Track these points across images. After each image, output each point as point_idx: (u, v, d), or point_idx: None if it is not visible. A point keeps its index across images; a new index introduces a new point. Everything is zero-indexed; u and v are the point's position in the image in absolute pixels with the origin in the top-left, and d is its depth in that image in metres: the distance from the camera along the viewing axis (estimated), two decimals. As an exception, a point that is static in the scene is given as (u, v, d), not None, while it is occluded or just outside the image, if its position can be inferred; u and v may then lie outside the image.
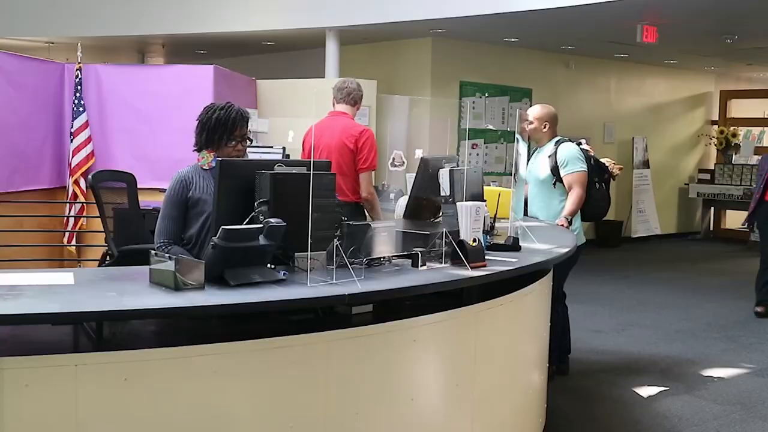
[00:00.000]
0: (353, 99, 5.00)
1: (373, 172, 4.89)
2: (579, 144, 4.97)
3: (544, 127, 4.97)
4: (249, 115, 3.53)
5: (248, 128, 3.52)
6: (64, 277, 2.64)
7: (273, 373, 2.53)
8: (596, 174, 4.93)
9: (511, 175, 5.15)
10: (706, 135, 13.59)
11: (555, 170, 4.85)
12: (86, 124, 7.18)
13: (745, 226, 7.58)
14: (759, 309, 7.21)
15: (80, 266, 7.18)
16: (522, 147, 4.98)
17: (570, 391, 4.97)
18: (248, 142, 3.53)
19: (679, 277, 9.46)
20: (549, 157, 4.90)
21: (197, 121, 3.48)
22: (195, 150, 3.49)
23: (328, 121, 4.96)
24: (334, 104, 5.04)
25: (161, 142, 7.25)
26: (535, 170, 4.96)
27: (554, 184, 4.89)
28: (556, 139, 4.96)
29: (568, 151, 4.85)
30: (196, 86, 7.21)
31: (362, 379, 2.75)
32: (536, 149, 5.07)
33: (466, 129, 10.00)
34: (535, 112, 5.03)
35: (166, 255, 2.59)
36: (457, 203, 3.41)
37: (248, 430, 2.50)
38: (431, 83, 9.83)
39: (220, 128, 3.41)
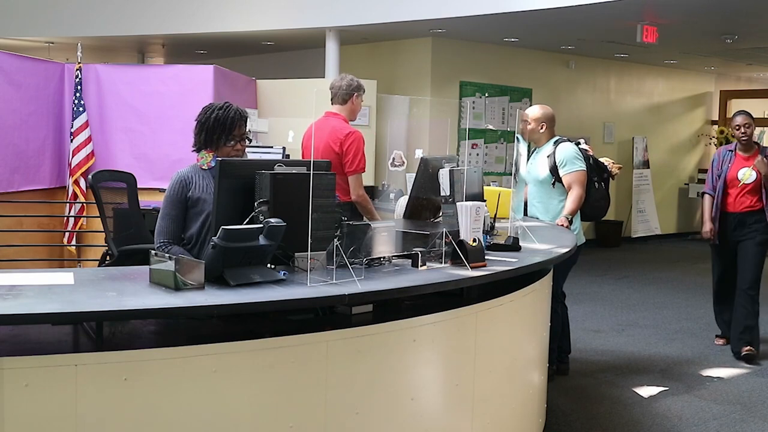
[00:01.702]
0: (341, 98, 4.95)
1: (362, 175, 4.84)
2: (578, 144, 4.97)
3: (542, 128, 4.96)
4: (247, 115, 3.53)
5: (247, 128, 3.52)
6: (64, 277, 2.64)
7: (273, 373, 2.53)
8: (595, 173, 4.93)
9: (511, 175, 5.16)
10: (706, 135, 13.60)
11: (554, 170, 4.85)
12: (86, 124, 7.19)
13: (710, 240, 5.89)
14: (720, 342, 6.19)
15: (80, 266, 7.18)
16: (523, 147, 4.99)
17: (570, 391, 4.97)
18: (247, 142, 3.53)
19: (679, 277, 9.45)
20: (548, 157, 4.89)
21: (196, 122, 3.48)
22: (194, 150, 3.49)
23: (321, 122, 4.94)
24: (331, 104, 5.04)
25: (161, 142, 7.26)
26: (535, 170, 4.96)
27: (553, 184, 4.89)
28: (555, 139, 4.96)
29: (566, 151, 4.84)
30: (196, 86, 7.22)
31: (362, 379, 2.75)
32: (535, 149, 5.07)
33: (466, 129, 10.01)
34: (531, 113, 5.02)
35: (166, 255, 2.59)
36: (457, 203, 3.41)
37: (248, 430, 2.50)
38: (431, 83, 9.84)
39: (219, 128, 3.41)
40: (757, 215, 5.69)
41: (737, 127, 5.67)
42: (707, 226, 5.85)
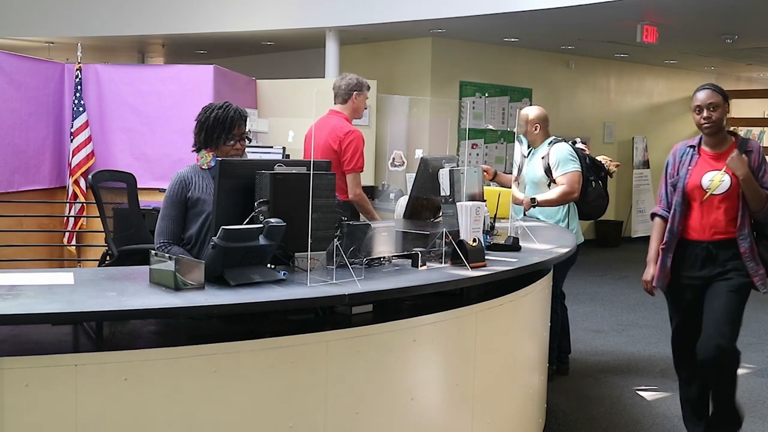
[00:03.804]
0: (341, 97, 4.95)
1: (360, 174, 4.83)
2: (574, 143, 4.96)
3: (536, 129, 4.95)
4: (247, 114, 3.54)
5: (246, 127, 3.53)
6: (64, 277, 2.64)
7: (273, 373, 2.53)
8: (592, 172, 4.92)
9: (510, 174, 5.16)
10: (706, 135, 13.59)
11: (548, 171, 4.84)
12: (86, 124, 7.19)
13: (654, 284, 3.90)
14: None
15: (80, 266, 7.18)
16: (525, 148, 4.98)
17: (570, 391, 4.97)
18: (247, 142, 3.53)
19: (679, 277, 9.44)
20: (542, 158, 4.89)
21: (196, 122, 3.49)
22: (194, 151, 3.49)
23: (324, 120, 4.95)
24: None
25: (161, 142, 7.27)
26: (531, 172, 4.95)
27: (549, 185, 4.88)
28: (550, 140, 4.94)
29: (560, 151, 4.83)
30: (196, 86, 7.22)
31: (362, 379, 2.75)
32: (531, 150, 5.06)
33: (466, 129, 10.01)
34: (524, 114, 5.01)
35: (166, 255, 2.59)
36: (457, 203, 3.41)
37: (248, 430, 2.50)
38: (431, 83, 9.84)
39: (219, 127, 3.42)
40: (732, 246, 3.72)
41: (697, 109, 3.72)
42: (648, 271, 3.91)
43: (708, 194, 3.71)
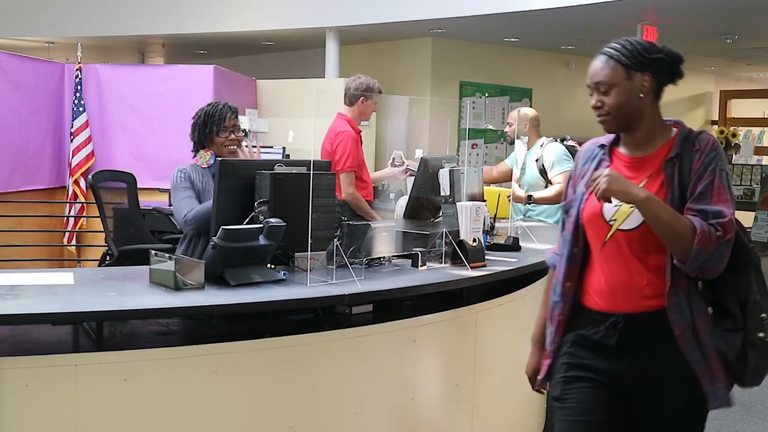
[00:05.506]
0: (348, 99, 4.96)
1: (352, 174, 4.77)
2: (563, 140, 4.94)
3: (525, 126, 4.93)
4: (237, 108, 3.58)
5: (239, 121, 3.56)
6: (64, 277, 2.64)
7: (273, 373, 2.53)
8: None
9: (494, 166, 5.15)
10: (706, 135, 13.58)
11: (543, 172, 4.84)
12: (86, 124, 7.19)
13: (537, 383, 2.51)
14: None
15: (80, 266, 7.18)
16: (524, 148, 4.98)
17: (570, 391, 4.95)
18: (244, 135, 3.56)
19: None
20: (536, 160, 4.88)
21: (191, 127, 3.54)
22: (194, 157, 3.52)
23: (331, 123, 5.01)
24: None
25: (161, 142, 7.26)
26: (527, 175, 4.94)
27: (545, 186, 4.87)
28: (541, 141, 4.92)
29: (554, 152, 4.81)
30: (196, 86, 7.21)
31: (362, 379, 2.75)
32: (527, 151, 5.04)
33: (466, 129, 10.01)
34: (524, 113, 5.01)
35: (166, 255, 2.59)
36: (457, 203, 3.41)
37: (248, 430, 2.50)
38: (431, 83, 9.84)
39: (210, 121, 3.48)
40: (666, 328, 2.07)
41: (589, 89, 2.32)
42: (531, 359, 2.54)
43: (613, 229, 2.13)
